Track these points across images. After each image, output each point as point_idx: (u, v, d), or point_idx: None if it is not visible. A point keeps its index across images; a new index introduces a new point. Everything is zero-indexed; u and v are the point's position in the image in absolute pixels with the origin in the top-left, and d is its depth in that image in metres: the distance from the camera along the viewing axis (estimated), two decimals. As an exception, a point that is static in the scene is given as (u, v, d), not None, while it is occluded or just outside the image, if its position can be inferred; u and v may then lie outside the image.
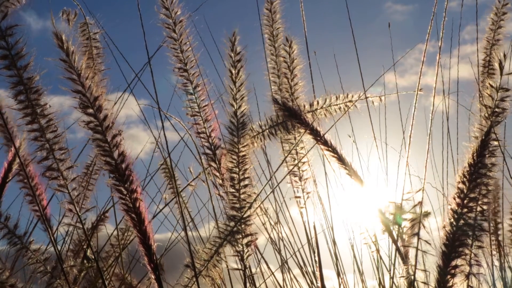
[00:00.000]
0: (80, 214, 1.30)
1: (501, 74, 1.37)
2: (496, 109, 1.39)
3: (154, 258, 1.26)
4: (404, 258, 1.58)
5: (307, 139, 1.86)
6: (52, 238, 1.48)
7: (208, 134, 1.81)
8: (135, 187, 1.20)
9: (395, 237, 1.58)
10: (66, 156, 1.27)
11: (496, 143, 1.35)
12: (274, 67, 1.97)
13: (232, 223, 1.64)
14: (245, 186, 1.66)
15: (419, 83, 1.64)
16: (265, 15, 1.96)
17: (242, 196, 1.64)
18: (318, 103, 1.89)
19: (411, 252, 1.54)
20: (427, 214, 1.56)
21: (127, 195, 1.20)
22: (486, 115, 1.38)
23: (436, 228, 2.23)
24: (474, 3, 2.41)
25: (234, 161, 1.66)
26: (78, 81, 1.13)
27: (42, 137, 1.24)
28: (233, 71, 1.68)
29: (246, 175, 1.66)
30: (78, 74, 1.12)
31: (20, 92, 1.21)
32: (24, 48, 1.18)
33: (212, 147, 1.81)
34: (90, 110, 1.16)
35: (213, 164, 1.80)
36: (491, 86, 1.39)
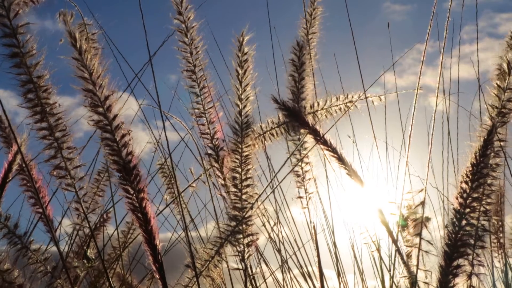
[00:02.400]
0: (86, 214, 1.30)
1: (509, 75, 1.37)
2: (503, 110, 1.39)
3: (159, 258, 1.26)
4: (405, 258, 1.58)
5: (310, 139, 1.86)
6: (54, 239, 1.47)
7: (211, 135, 1.82)
8: (142, 187, 1.20)
9: (395, 237, 1.58)
10: (74, 155, 1.27)
11: (501, 143, 1.35)
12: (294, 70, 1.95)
13: (233, 223, 1.63)
14: (247, 186, 1.65)
15: (418, 83, 1.64)
16: (304, 18, 1.96)
17: (244, 196, 1.64)
18: (318, 104, 1.90)
19: (414, 252, 1.54)
20: (428, 219, 1.56)
21: (134, 195, 1.20)
22: (493, 115, 1.38)
23: (436, 228, 2.24)
24: (471, 3, 2.42)
25: (237, 160, 1.66)
26: (89, 80, 1.12)
27: (50, 135, 1.24)
28: (240, 71, 1.69)
29: (248, 175, 1.66)
30: (90, 73, 1.11)
31: (29, 91, 1.20)
32: (34, 46, 1.18)
33: (215, 148, 1.82)
34: (100, 109, 1.15)
35: (215, 164, 1.81)
36: (499, 86, 1.39)
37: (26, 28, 1.16)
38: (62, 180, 1.27)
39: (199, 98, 1.81)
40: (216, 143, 1.82)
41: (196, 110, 1.82)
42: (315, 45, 1.94)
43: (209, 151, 1.83)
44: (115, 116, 1.16)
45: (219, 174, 1.82)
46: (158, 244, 1.24)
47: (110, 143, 1.16)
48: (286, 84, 1.91)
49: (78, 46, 1.09)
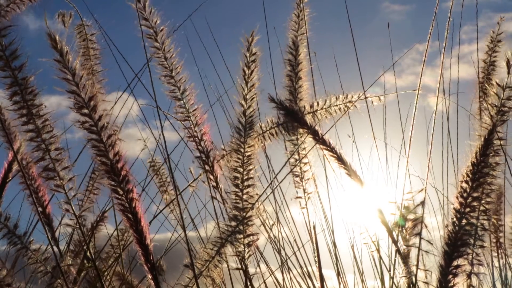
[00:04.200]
0: (77, 214, 1.30)
1: (509, 73, 1.37)
2: (502, 108, 1.38)
3: (151, 258, 1.26)
4: (404, 258, 1.57)
5: (309, 139, 1.86)
6: (53, 238, 1.48)
7: (199, 138, 1.81)
8: (131, 187, 1.20)
9: (395, 237, 1.58)
10: (62, 156, 1.27)
11: (500, 142, 1.34)
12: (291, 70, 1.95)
13: (234, 223, 1.64)
14: (249, 186, 1.65)
15: (420, 83, 1.64)
16: (292, 20, 1.95)
17: (245, 197, 1.64)
18: (318, 104, 1.89)
19: (414, 252, 1.54)
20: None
21: (123, 195, 1.20)
22: (492, 113, 1.37)
23: (436, 228, 2.23)
24: (470, 3, 2.42)
25: (239, 160, 1.66)
26: (72, 81, 1.13)
27: (38, 137, 1.25)
28: (247, 71, 1.68)
29: (250, 176, 1.66)
30: (72, 74, 1.12)
31: (15, 93, 1.21)
32: (18, 48, 1.18)
33: (204, 150, 1.81)
34: (85, 110, 1.15)
35: (206, 167, 1.80)
36: (498, 84, 1.39)
37: (10, 30, 1.17)
38: (51, 182, 1.27)
39: (182, 101, 1.79)
40: (205, 145, 1.81)
41: (180, 114, 1.80)
42: (305, 46, 1.93)
43: (199, 154, 1.82)
44: (101, 116, 1.16)
45: (211, 176, 1.81)
46: (149, 244, 1.25)
47: (96, 144, 1.17)
48: (283, 84, 1.90)
49: (59, 48, 1.09)
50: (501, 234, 2.15)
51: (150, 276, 1.28)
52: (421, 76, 1.65)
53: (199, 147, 1.81)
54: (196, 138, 1.81)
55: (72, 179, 1.28)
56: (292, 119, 1.79)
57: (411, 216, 1.55)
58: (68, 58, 1.10)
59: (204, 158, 1.81)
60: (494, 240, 2.16)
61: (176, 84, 1.77)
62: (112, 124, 1.17)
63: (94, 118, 1.16)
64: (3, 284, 1.35)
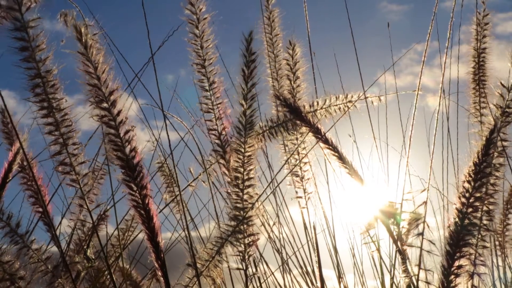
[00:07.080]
0: (90, 210, 1.30)
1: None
2: (507, 109, 1.38)
3: (162, 255, 1.25)
4: (404, 258, 1.58)
5: (309, 139, 1.86)
6: (55, 236, 1.47)
7: (219, 131, 1.82)
8: (145, 183, 1.20)
9: (395, 237, 1.58)
10: (79, 151, 1.27)
11: (505, 143, 1.35)
12: (273, 71, 1.97)
13: (234, 223, 1.63)
14: (249, 186, 1.65)
15: (419, 83, 1.65)
16: (265, 23, 1.97)
17: (245, 196, 1.64)
18: (318, 103, 1.90)
19: (415, 252, 1.54)
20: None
21: (137, 191, 1.20)
22: (497, 114, 1.38)
23: (436, 228, 2.24)
24: (469, 2, 2.43)
25: (239, 160, 1.66)
26: (94, 75, 1.12)
27: (56, 131, 1.24)
28: (246, 71, 1.68)
29: (250, 176, 1.66)
30: (95, 67, 1.12)
31: (37, 85, 1.21)
32: (44, 41, 1.18)
33: (223, 144, 1.82)
34: (105, 105, 1.15)
35: (222, 161, 1.81)
36: (503, 85, 1.39)
37: (37, 23, 1.17)
38: (66, 176, 1.27)
39: (208, 93, 1.80)
40: (224, 138, 1.82)
41: (204, 105, 1.82)
42: (281, 47, 1.96)
43: (216, 148, 1.83)
44: (119, 111, 1.16)
45: (226, 171, 1.82)
46: (160, 241, 1.24)
47: (114, 138, 1.16)
48: (282, 83, 1.91)
49: (83, 40, 1.09)
50: (507, 233, 2.15)
51: (160, 273, 1.28)
52: (420, 76, 1.65)
53: (217, 141, 1.82)
54: (216, 132, 1.82)
55: (87, 175, 1.28)
56: (296, 116, 1.79)
57: (406, 216, 1.55)
58: (92, 51, 1.09)
59: (221, 153, 1.81)
60: (501, 239, 2.16)
61: (206, 74, 1.78)
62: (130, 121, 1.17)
63: (113, 113, 1.16)
64: (15, 277, 1.34)
